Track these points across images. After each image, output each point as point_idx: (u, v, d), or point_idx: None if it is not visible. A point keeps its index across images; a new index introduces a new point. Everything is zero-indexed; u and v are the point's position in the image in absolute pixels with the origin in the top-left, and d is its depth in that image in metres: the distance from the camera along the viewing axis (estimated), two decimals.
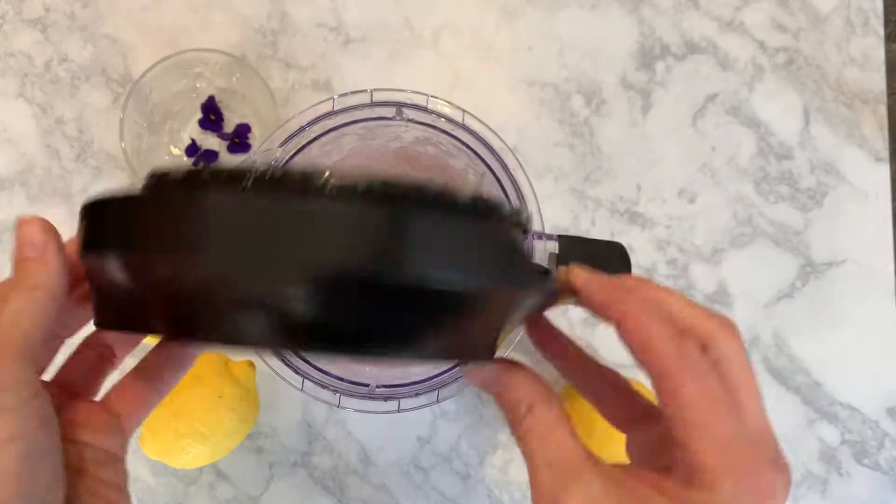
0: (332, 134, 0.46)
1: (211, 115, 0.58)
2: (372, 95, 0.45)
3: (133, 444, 0.57)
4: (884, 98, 0.60)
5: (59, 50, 0.60)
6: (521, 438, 0.26)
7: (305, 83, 0.60)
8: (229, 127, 0.59)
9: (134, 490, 0.57)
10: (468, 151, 0.45)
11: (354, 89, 0.45)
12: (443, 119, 0.45)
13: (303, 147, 0.46)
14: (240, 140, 0.58)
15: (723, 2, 0.60)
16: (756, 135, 0.59)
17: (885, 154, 0.59)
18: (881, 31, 0.60)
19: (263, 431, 0.58)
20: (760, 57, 0.60)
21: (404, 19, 0.60)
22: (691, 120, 0.59)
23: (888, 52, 0.60)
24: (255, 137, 0.59)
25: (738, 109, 0.59)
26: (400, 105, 0.45)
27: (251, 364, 0.54)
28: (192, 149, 0.58)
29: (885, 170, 0.59)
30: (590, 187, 0.59)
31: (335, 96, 0.45)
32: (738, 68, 0.60)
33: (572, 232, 0.59)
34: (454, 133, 0.45)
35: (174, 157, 0.59)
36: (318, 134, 0.45)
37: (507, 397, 0.26)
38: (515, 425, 0.26)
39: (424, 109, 0.45)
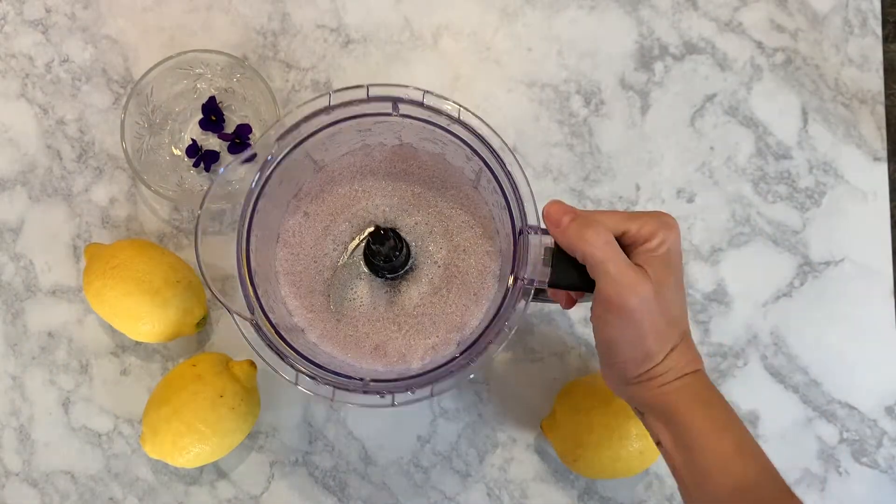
0: (329, 130, 0.46)
1: (212, 116, 0.58)
2: (368, 90, 0.45)
3: (134, 443, 0.58)
4: (882, 98, 0.60)
5: (60, 51, 0.61)
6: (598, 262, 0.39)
7: (306, 84, 0.60)
8: (230, 127, 0.59)
9: (134, 490, 0.58)
10: (465, 148, 0.45)
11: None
12: (442, 115, 0.45)
13: (300, 142, 0.46)
14: (240, 140, 0.58)
15: (721, 2, 0.60)
16: (754, 135, 0.59)
17: (883, 154, 0.60)
18: (879, 31, 0.61)
19: (264, 431, 0.58)
20: (759, 57, 0.60)
21: (404, 20, 0.60)
22: (690, 120, 0.60)
23: (886, 52, 0.60)
24: (256, 138, 0.59)
25: (736, 109, 0.60)
26: (396, 100, 0.45)
27: (252, 363, 0.55)
28: (193, 149, 0.59)
29: (883, 169, 0.60)
30: (589, 187, 0.59)
31: (331, 91, 0.45)
32: (736, 68, 0.60)
33: None
34: (451, 129, 0.45)
35: (175, 157, 0.59)
36: (315, 129, 0.45)
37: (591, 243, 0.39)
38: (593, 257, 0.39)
39: (421, 105, 0.45)
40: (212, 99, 0.58)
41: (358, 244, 0.49)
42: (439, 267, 0.49)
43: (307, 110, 0.45)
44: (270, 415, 0.58)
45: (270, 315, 0.46)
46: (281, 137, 0.45)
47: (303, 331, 0.49)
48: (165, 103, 0.58)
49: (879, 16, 0.61)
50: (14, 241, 0.59)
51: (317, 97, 0.45)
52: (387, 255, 0.47)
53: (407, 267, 0.49)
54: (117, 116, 0.59)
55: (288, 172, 0.47)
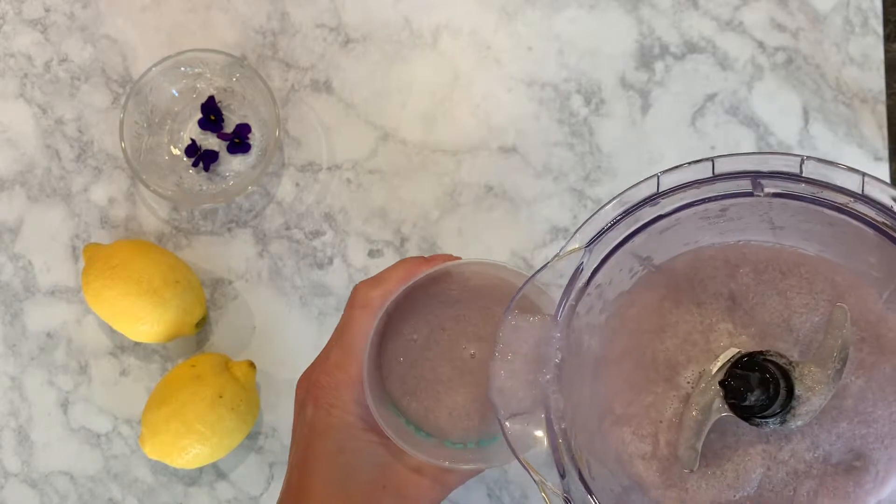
0: (659, 224, 0.33)
1: (211, 116, 0.58)
2: (714, 165, 0.31)
3: (133, 444, 0.57)
4: (883, 97, 0.60)
5: (58, 50, 0.60)
6: None
7: (305, 83, 0.60)
8: (229, 127, 0.59)
9: (134, 490, 0.57)
10: (880, 238, 0.29)
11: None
12: (834, 190, 0.30)
13: (617, 247, 0.33)
14: (240, 140, 0.58)
15: (722, 1, 0.60)
16: (755, 134, 0.59)
17: (885, 153, 0.59)
18: (880, 30, 0.60)
19: (263, 431, 0.58)
20: (759, 56, 0.60)
21: (404, 19, 0.60)
22: (690, 119, 0.59)
23: (887, 51, 0.60)
24: (255, 137, 0.59)
25: (737, 109, 0.59)
26: (756, 176, 0.31)
27: (251, 364, 0.55)
28: (192, 149, 0.58)
29: (884, 169, 0.59)
30: (589, 187, 0.59)
31: (659, 174, 0.32)
32: (737, 68, 0.60)
33: (570, 231, 0.59)
34: (852, 209, 0.30)
35: (174, 157, 0.59)
36: (634, 229, 0.33)
37: None
38: None
39: (797, 178, 0.30)
40: (211, 98, 0.58)
41: (720, 368, 0.34)
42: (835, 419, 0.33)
43: (625, 203, 0.32)
44: (270, 415, 0.58)
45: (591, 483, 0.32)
46: (592, 242, 0.32)
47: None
48: (164, 103, 0.58)
49: (881, 15, 0.61)
50: (13, 241, 0.59)
51: (640, 182, 0.32)
52: (756, 398, 0.31)
53: (786, 410, 0.32)
54: (116, 116, 0.59)
55: (600, 288, 0.34)
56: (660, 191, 0.32)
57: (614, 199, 0.32)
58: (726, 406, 0.32)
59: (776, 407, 0.31)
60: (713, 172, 0.31)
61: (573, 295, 0.33)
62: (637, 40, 0.60)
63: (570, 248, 0.32)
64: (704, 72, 0.60)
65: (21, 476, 0.58)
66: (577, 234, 0.33)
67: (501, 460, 0.40)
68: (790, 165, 0.30)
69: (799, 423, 0.32)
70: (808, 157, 0.31)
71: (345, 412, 0.39)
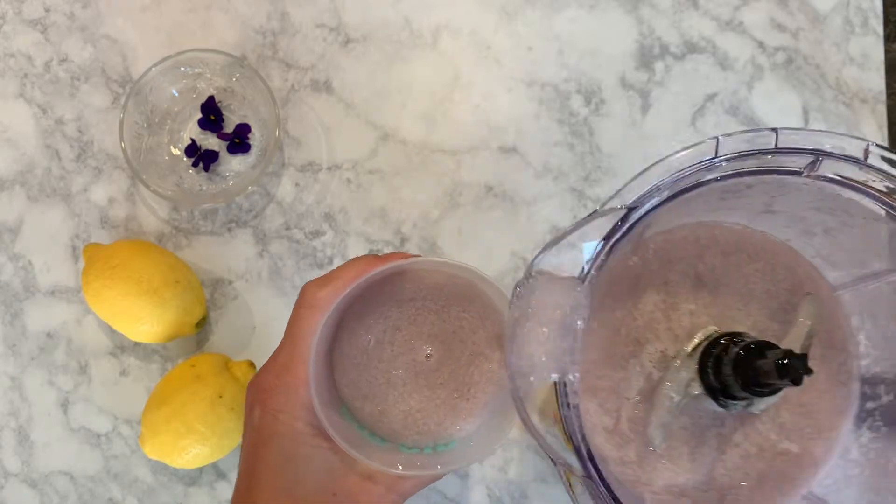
0: (692, 192, 0.32)
1: (211, 116, 0.58)
2: (777, 136, 0.30)
3: (133, 444, 0.57)
4: (883, 97, 0.60)
5: (58, 50, 0.60)
6: None
7: (305, 83, 0.60)
8: (229, 127, 0.59)
9: (134, 490, 0.57)
10: None
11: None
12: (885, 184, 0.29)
13: (650, 210, 0.32)
14: (240, 140, 0.58)
15: (722, 1, 0.60)
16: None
17: None
18: (880, 30, 0.60)
19: None
20: (759, 56, 0.60)
21: (404, 19, 0.60)
22: (691, 119, 0.59)
23: (887, 51, 0.60)
24: (255, 137, 0.59)
25: (737, 109, 0.59)
26: (820, 155, 0.29)
27: (251, 364, 0.55)
28: (192, 149, 0.58)
29: None
30: (589, 187, 0.59)
31: (719, 136, 0.31)
32: (737, 68, 0.60)
33: None
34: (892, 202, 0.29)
35: (174, 157, 0.59)
36: (676, 190, 0.32)
37: None
38: None
39: (859, 162, 0.29)
40: (211, 98, 0.58)
41: (696, 347, 0.33)
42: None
43: (677, 164, 0.31)
44: None
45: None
46: (636, 205, 0.31)
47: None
48: (164, 103, 0.58)
49: (881, 15, 0.61)
50: (13, 241, 0.59)
51: (695, 144, 0.31)
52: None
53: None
54: (116, 116, 0.59)
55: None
56: (718, 155, 0.30)
57: (664, 158, 0.31)
58: (701, 386, 0.31)
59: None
60: (776, 145, 0.30)
61: (604, 253, 0.30)
62: (637, 40, 0.60)
63: (609, 206, 0.31)
64: (704, 72, 0.60)
65: (21, 476, 0.58)
66: (621, 193, 0.30)
67: (457, 465, 0.38)
68: (856, 149, 0.29)
69: (762, 406, 0.32)
70: (876, 144, 0.29)
71: (292, 417, 0.37)
